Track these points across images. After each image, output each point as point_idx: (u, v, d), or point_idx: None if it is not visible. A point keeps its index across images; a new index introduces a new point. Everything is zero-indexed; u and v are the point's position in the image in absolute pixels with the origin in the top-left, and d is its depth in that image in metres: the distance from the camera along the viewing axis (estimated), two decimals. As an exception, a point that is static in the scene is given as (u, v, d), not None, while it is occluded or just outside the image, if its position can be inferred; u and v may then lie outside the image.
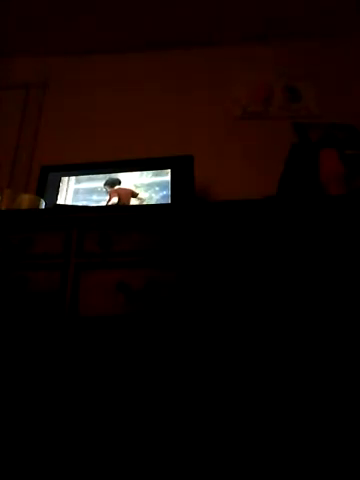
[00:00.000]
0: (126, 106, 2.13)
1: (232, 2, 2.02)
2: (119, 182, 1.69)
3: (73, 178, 1.74)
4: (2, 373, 1.10)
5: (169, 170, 1.67)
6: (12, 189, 1.65)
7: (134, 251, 1.21)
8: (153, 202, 1.62)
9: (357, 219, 1.18)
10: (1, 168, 2.03)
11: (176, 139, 1.95)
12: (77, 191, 1.71)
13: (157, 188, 1.65)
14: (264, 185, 1.60)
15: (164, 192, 1.63)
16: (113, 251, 1.22)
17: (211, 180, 1.81)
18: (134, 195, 1.65)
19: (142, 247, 1.21)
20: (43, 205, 1.53)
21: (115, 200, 1.63)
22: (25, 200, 1.49)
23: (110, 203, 1.63)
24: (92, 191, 1.70)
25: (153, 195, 1.64)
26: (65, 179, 1.74)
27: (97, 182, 1.71)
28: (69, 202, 1.68)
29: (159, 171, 1.69)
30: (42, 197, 1.58)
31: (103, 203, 1.65)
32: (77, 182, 1.73)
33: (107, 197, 1.66)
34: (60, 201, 1.68)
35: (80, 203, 1.65)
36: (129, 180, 1.69)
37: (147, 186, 1.67)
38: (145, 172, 1.70)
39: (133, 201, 1.64)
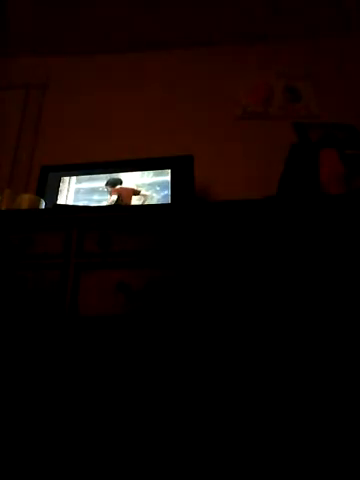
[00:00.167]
0: (126, 106, 2.13)
1: (232, 2, 2.02)
2: (120, 182, 1.69)
3: (74, 178, 1.74)
4: (2, 373, 1.10)
5: (169, 170, 1.67)
6: (12, 189, 1.65)
7: (134, 251, 1.21)
8: (154, 201, 1.62)
9: (357, 219, 1.18)
10: (1, 168, 2.03)
11: (176, 139, 1.94)
12: (78, 191, 1.71)
13: (158, 188, 1.65)
14: (264, 185, 1.60)
15: (165, 192, 1.63)
16: (113, 251, 1.22)
17: (211, 180, 1.81)
18: (136, 193, 1.65)
19: (142, 247, 1.21)
20: (43, 205, 1.53)
21: (114, 197, 1.63)
22: (25, 200, 1.49)
23: (109, 201, 1.63)
24: (93, 191, 1.70)
25: (154, 195, 1.64)
26: (66, 179, 1.74)
27: (98, 182, 1.71)
28: (70, 202, 1.68)
29: (160, 171, 1.69)
30: (42, 197, 1.58)
31: (104, 203, 1.65)
32: (78, 182, 1.73)
33: (109, 197, 1.67)
34: (61, 201, 1.68)
35: (81, 203, 1.65)
36: (130, 180, 1.69)
37: (148, 186, 1.67)
38: (146, 172, 1.70)
39: (135, 199, 1.64)
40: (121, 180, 1.69)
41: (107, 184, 1.69)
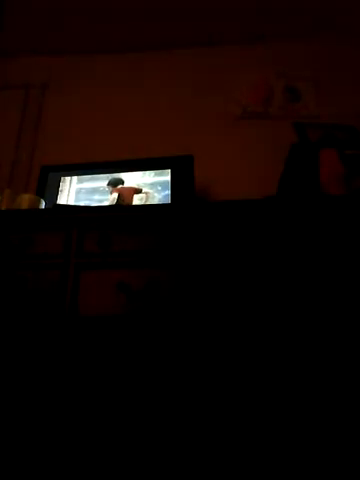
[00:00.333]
0: (126, 106, 2.13)
1: (232, 2, 2.01)
2: (122, 182, 1.69)
3: (75, 178, 1.74)
4: (2, 372, 1.10)
5: (169, 170, 1.67)
6: (12, 189, 1.65)
7: (134, 251, 1.21)
8: (156, 201, 1.62)
9: (357, 219, 1.18)
10: (1, 168, 2.03)
11: (176, 139, 1.94)
12: (79, 191, 1.71)
13: (159, 187, 1.65)
14: (264, 185, 1.60)
15: (166, 191, 1.63)
16: (113, 251, 1.22)
17: (211, 180, 1.81)
18: (137, 191, 1.65)
19: (142, 247, 1.21)
20: (43, 205, 1.53)
21: (115, 196, 1.63)
22: (25, 200, 1.49)
23: (110, 201, 1.63)
24: (94, 191, 1.70)
25: (155, 194, 1.64)
26: (67, 179, 1.74)
27: (99, 182, 1.71)
28: (71, 202, 1.68)
29: (161, 171, 1.69)
30: (42, 197, 1.58)
31: (106, 203, 1.65)
32: (79, 182, 1.73)
33: (110, 197, 1.67)
34: (62, 201, 1.68)
35: (82, 203, 1.65)
36: (131, 180, 1.70)
37: (150, 186, 1.67)
38: (147, 172, 1.70)
39: (137, 198, 1.64)
40: (122, 180, 1.69)
41: (109, 184, 1.70)
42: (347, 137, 1.65)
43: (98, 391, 1.05)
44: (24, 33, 2.21)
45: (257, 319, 1.09)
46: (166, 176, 1.67)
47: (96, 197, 1.68)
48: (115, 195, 1.64)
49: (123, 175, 1.71)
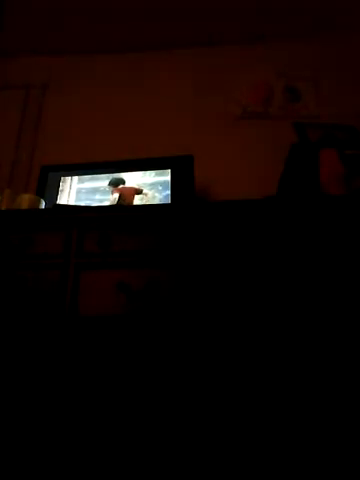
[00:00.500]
0: (126, 106, 2.13)
1: (232, 2, 2.01)
2: (123, 182, 1.69)
3: (75, 178, 1.74)
4: (2, 372, 1.10)
5: (169, 170, 1.67)
6: (12, 189, 1.65)
7: (134, 251, 1.21)
8: (156, 201, 1.62)
9: (357, 219, 1.18)
10: (1, 168, 2.03)
11: (176, 139, 1.94)
12: (79, 191, 1.71)
13: (160, 187, 1.65)
14: (264, 185, 1.60)
15: (167, 191, 1.63)
16: (113, 251, 1.22)
17: (211, 180, 1.81)
18: (138, 192, 1.65)
19: (142, 247, 1.21)
20: (43, 205, 1.53)
21: (116, 196, 1.63)
22: (25, 200, 1.49)
23: (111, 201, 1.64)
24: (95, 191, 1.70)
25: (156, 194, 1.64)
26: (67, 179, 1.74)
27: (100, 182, 1.71)
28: (72, 202, 1.68)
29: (161, 171, 1.69)
30: (42, 197, 1.58)
31: (106, 203, 1.65)
32: (80, 182, 1.73)
33: (111, 196, 1.67)
34: (63, 201, 1.68)
35: (83, 203, 1.66)
36: (132, 180, 1.70)
37: (150, 185, 1.67)
38: (147, 172, 1.71)
39: (137, 198, 1.64)
40: (123, 180, 1.69)
41: (109, 184, 1.70)
42: (347, 137, 1.64)
43: (98, 391, 1.05)
44: (24, 33, 2.21)
45: (257, 319, 1.09)
46: (166, 176, 1.67)
47: (97, 197, 1.68)
48: (116, 195, 1.64)
49: (124, 175, 1.71)
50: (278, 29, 2.13)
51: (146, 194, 1.64)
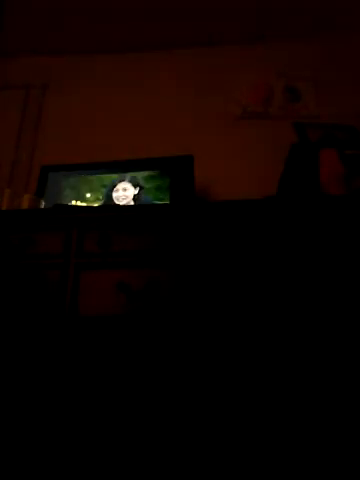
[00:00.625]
0: (126, 106, 2.13)
1: (232, 2, 2.01)
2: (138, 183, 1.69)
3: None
4: (3, 372, 1.10)
5: (169, 170, 1.67)
6: (12, 189, 1.65)
7: (134, 251, 1.21)
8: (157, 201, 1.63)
9: (357, 219, 1.18)
10: (1, 168, 2.03)
11: (176, 139, 1.94)
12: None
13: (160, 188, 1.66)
14: (264, 185, 1.60)
15: (167, 192, 1.63)
16: (113, 251, 1.22)
17: (211, 180, 1.81)
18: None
19: (142, 247, 1.21)
20: (43, 205, 1.53)
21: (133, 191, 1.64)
22: (25, 200, 1.49)
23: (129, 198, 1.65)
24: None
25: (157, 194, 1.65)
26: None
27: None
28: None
29: (161, 171, 1.69)
30: (42, 197, 1.58)
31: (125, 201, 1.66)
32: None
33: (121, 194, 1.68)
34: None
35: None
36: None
37: (149, 185, 1.67)
38: (147, 172, 1.70)
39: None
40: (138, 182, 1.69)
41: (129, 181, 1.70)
42: (347, 137, 1.64)
43: (98, 391, 1.05)
44: (24, 33, 2.21)
45: (257, 319, 1.09)
46: (166, 176, 1.67)
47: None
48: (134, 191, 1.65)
49: (122, 175, 1.72)
50: (278, 29, 2.13)
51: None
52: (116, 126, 2.07)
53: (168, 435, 0.99)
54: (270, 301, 1.10)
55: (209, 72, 2.15)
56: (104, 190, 1.69)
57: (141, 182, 1.67)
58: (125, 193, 1.65)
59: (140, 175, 1.70)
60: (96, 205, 1.64)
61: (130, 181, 1.68)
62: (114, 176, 1.72)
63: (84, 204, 1.66)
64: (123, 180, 1.69)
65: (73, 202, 1.69)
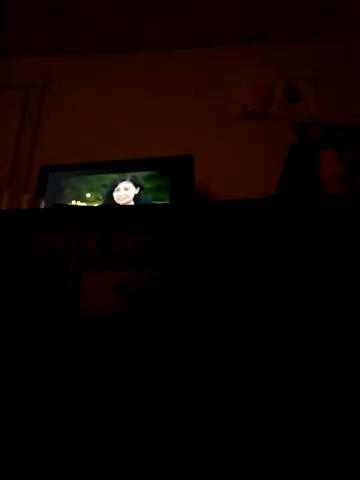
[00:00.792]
0: (126, 106, 2.13)
1: (232, 2, 2.02)
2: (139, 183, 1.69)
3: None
4: (3, 372, 1.10)
5: (169, 170, 1.67)
6: (12, 189, 1.65)
7: (134, 251, 1.21)
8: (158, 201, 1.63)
9: (357, 219, 1.18)
10: (1, 168, 2.03)
11: (176, 139, 1.94)
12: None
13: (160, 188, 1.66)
14: (264, 185, 1.60)
15: (167, 192, 1.63)
16: (113, 251, 1.22)
17: (211, 180, 1.81)
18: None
19: (142, 247, 1.21)
20: (43, 205, 1.53)
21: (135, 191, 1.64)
22: (25, 200, 1.49)
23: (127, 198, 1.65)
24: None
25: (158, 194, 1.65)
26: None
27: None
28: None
29: (161, 171, 1.69)
30: (42, 197, 1.58)
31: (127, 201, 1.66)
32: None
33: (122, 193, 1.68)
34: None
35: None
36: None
37: (149, 185, 1.67)
38: (147, 172, 1.71)
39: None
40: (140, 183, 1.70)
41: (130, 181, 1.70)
42: (347, 137, 1.65)
43: (98, 391, 1.05)
44: (24, 33, 2.21)
45: (257, 319, 1.09)
46: (166, 176, 1.67)
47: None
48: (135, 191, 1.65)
49: (123, 175, 1.72)
50: (278, 29, 2.13)
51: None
52: (116, 126, 2.07)
53: (168, 435, 0.99)
54: (270, 301, 1.10)
55: (209, 72, 2.15)
56: (105, 190, 1.70)
57: (141, 182, 1.67)
58: (126, 193, 1.65)
59: (140, 175, 1.70)
60: (96, 205, 1.64)
61: (131, 181, 1.68)
62: (114, 176, 1.72)
63: (84, 204, 1.66)
64: (125, 180, 1.69)
65: (73, 202, 1.69)
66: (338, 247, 1.15)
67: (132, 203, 1.64)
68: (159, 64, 2.22)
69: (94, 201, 1.69)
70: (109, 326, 1.12)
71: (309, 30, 2.12)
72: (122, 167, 1.74)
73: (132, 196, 1.64)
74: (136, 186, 1.66)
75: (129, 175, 1.70)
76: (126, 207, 1.52)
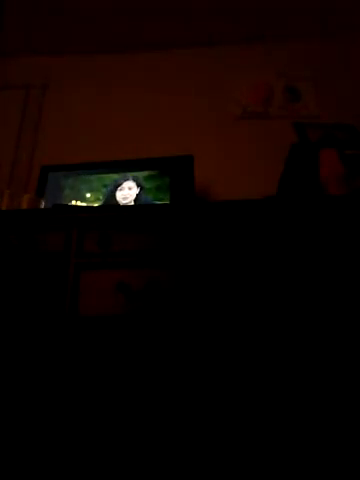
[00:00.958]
0: (126, 106, 2.13)
1: (232, 2, 2.02)
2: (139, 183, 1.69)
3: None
4: (3, 372, 1.10)
5: (169, 170, 1.67)
6: (12, 189, 1.65)
7: (134, 251, 1.21)
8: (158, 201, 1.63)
9: (357, 219, 1.18)
10: (1, 168, 2.03)
11: (176, 139, 1.95)
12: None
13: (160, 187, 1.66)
14: (264, 185, 1.60)
15: (167, 191, 1.63)
16: (113, 251, 1.22)
17: (211, 180, 1.81)
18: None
19: (142, 247, 1.21)
20: (43, 205, 1.53)
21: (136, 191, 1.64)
22: (25, 200, 1.49)
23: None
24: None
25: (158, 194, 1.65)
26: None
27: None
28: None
29: (161, 170, 1.69)
30: (42, 197, 1.58)
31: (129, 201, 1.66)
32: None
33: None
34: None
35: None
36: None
37: (149, 185, 1.67)
38: (147, 171, 1.71)
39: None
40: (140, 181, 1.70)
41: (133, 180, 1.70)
42: (347, 137, 1.65)
43: (98, 391, 1.05)
44: (24, 33, 2.21)
45: (257, 319, 1.09)
46: (166, 176, 1.67)
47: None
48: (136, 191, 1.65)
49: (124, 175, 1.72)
50: (278, 29, 2.13)
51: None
52: (116, 126, 2.07)
53: (168, 434, 0.99)
54: (270, 301, 1.10)
55: (209, 72, 2.15)
56: (106, 189, 1.70)
57: (141, 182, 1.68)
58: (130, 192, 1.65)
59: (140, 175, 1.70)
60: (96, 205, 1.65)
61: (134, 180, 1.68)
62: (114, 176, 1.72)
63: (84, 204, 1.67)
64: (128, 179, 1.69)
65: (73, 202, 1.69)
66: (338, 247, 1.15)
67: (132, 203, 1.64)
68: (159, 64, 2.22)
69: (94, 201, 1.69)
70: (109, 326, 1.12)
71: (309, 30, 2.12)
72: (122, 167, 1.74)
73: (134, 196, 1.65)
74: (138, 186, 1.67)
75: (130, 175, 1.70)
76: (126, 207, 1.52)
